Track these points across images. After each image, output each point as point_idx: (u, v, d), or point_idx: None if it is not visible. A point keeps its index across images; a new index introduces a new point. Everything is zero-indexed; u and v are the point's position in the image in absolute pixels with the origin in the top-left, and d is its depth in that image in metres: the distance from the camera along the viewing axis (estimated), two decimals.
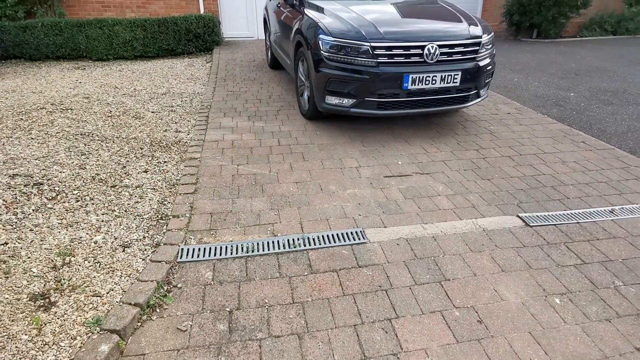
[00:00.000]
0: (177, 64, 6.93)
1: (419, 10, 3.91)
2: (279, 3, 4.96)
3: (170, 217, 2.28)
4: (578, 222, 2.34)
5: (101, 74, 5.98)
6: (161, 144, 3.25)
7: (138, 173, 2.75)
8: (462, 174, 2.87)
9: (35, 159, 2.85)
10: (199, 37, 7.87)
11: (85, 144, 3.16)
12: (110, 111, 4.00)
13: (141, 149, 3.13)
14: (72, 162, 2.83)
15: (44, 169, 2.71)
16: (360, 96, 3.20)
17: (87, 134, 3.38)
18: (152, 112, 4.04)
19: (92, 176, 2.67)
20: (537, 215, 2.40)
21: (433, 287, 1.83)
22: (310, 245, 2.09)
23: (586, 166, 3.03)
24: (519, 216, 2.39)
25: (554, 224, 2.31)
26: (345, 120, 3.82)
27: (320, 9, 3.69)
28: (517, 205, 2.51)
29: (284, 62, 4.83)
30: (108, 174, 2.71)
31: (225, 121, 3.85)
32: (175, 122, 3.80)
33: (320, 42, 3.26)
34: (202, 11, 8.59)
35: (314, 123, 3.82)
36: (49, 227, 2.13)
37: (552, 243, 2.15)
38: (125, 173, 2.74)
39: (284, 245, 2.09)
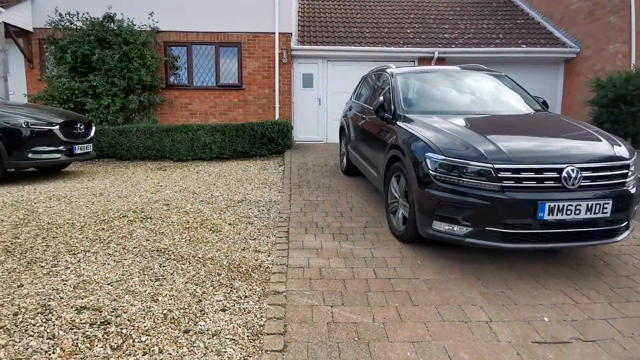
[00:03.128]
0: (250, 167, 7.03)
1: (541, 126, 3.47)
2: (363, 114, 4.88)
3: None
4: None
5: (180, 176, 6.12)
6: (240, 269, 2.84)
7: (215, 312, 2.29)
8: None
9: (108, 284, 2.53)
10: (272, 140, 8.15)
11: (160, 264, 2.84)
12: (188, 222, 3.80)
13: (219, 274, 2.73)
14: (145, 291, 2.47)
15: (114, 300, 2.35)
16: (479, 225, 2.65)
17: (163, 250, 3.10)
18: (230, 224, 3.77)
19: (164, 313, 2.24)
20: None
21: None
22: None
23: None
24: None
25: None
26: (447, 244, 3.23)
27: (420, 123, 3.41)
28: None
29: (368, 173, 4.53)
30: (182, 310, 2.28)
31: (307, 240, 3.43)
32: (254, 238, 3.45)
33: (427, 161, 2.89)
34: (277, 117, 9.09)
35: (411, 248, 3.27)
36: None
37: None
38: (200, 310, 2.29)
39: None
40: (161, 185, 5.37)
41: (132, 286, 2.52)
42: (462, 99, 4.07)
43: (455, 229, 2.77)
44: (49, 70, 8.76)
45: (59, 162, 5.70)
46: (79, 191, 4.94)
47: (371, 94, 5.00)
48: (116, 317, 2.19)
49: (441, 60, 9.37)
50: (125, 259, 2.91)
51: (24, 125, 5.26)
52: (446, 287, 2.64)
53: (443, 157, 2.82)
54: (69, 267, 2.73)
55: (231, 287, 2.58)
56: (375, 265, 2.96)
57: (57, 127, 5.55)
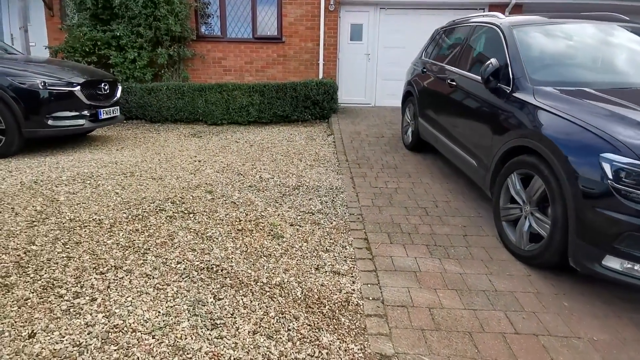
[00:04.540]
0: (295, 135, 6.14)
1: None
2: (451, 80, 3.80)
3: None
4: None
5: (218, 146, 5.33)
6: (322, 307, 2.08)
7: None
8: None
9: (149, 332, 1.82)
10: (316, 104, 7.15)
11: (214, 295, 2.11)
12: (239, 219, 3.04)
13: (295, 318, 1.98)
14: (201, 349, 1.75)
15: None
16: None
17: (215, 268, 2.37)
18: (291, 225, 2.99)
19: None
20: None
21: None
22: None
23: None
24: None
25: None
26: (591, 278, 2.32)
27: (570, 102, 2.38)
28: None
29: (458, 159, 3.56)
30: None
31: (396, 254, 2.62)
32: (327, 250, 2.67)
33: (604, 165, 1.93)
34: (321, 76, 8.00)
35: (542, 275, 2.40)
36: None
37: None
38: None
39: None
40: (199, 161, 4.60)
41: (181, 338, 1.81)
42: (619, 64, 2.94)
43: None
44: (69, 18, 7.87)
45: (83, 129, 4.99)
46: (107, 168, 4.24)
47: (461, 53, 3.89)
48: None
49: (518, 8, 7.82)
50: (168, 284, 2.19)
51: (41, 87, 4.50)
52: (631, 359, 1.80)
53: (633, 160, 1.86)
54: (96, 299, 2.04)
55: (318, 345, 1.83)
56: (504, 306, 2.14)
57: (78, 87, 4.78)
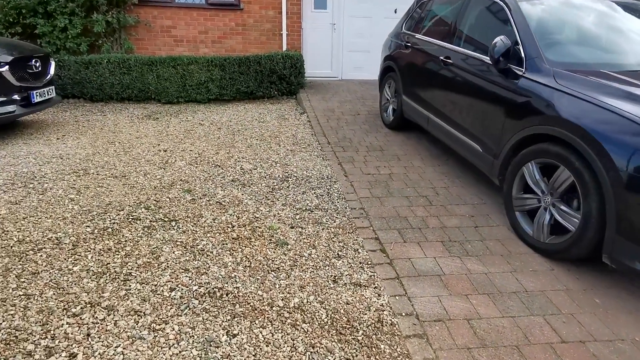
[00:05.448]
0: (264, 115, 5.65)
1: None
2: (446, 56, 3.53)
3: None
4: None
5: (182, 130, 4.73)
6: (354, 332, 1.82)
7: None
8: None
9: None
10: (283, 78, 6.63)
11: (227, 331, 1.75)
12: (232, 225, 2.64)
13: (330, 352, 1.68)
14: None
15: None
16: None
17: (218, 292, 1.99)
18: (292, 228, 2.65)
19: None
20: None
21: None
22: None
23: None
24: None
25: None
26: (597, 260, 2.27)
27: (597, 85, 2.21)
28: None
29: (457, 144, 3.36)
30: None
31: (414, 255, 2.41)
32: (339, 256, 2.39)
33: None
34: (284, 47, 7.41)
35: (566, 269, 2.31)
36: None
37: None
38: None
39: None
40: (165, 151, 4.01)
41: None
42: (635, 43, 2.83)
43: None
44: None
45: (13, 116, 4.12)
46: (51, 165, 3.54)
47: (455, 28, 3.61)
48: None
49: None
50: (165, 322, 1.79)
51: None
52: None
53: None
54: (75, 355, 1.58)
55: None
56: (541, 310, 2.01)
57: (6, 67, 3.88)
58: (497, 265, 2.37)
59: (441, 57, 3.61)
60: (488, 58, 2.84)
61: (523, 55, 2.67)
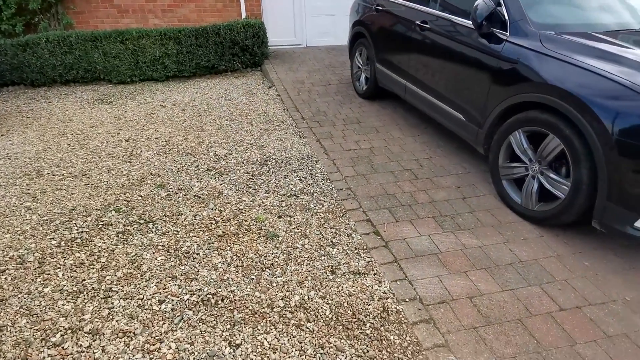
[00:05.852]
0: (231, 91, 5.31)
1: None
2: (421, 21, 3.36)
3: None
4: None
5: (141, 115, 4.35)
6: (362, 326, 1.76)
7: None
8: None
9: None
10: (246, 49, 6.21)
11: (229, 342, 1.63)
12: (215, 220, 2.46)
13: (340, 351, 1.62)
14: None
15: None
16: None
17: (212, 300, 1.85)
18: (279, 217, 2.51)
19: None
20: None
21: None
22: None
23: None
24: None
25: None
26: (582, 224, 2.34)
27: (585, 48, 2.16)
28: None
29: (436, 112, 3.28)
30: None
31: (408, 234, 2.37)
32: (332, 243, 2.29)
33: None
34: (244, 15, 6.89)
35: (554, 234, 2.35)
36: None
37: None
38: None
39: None
40: (127, 140, 3.67)
41: None
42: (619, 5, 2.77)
43: None
44: None
45: None
46: None
47: None
48: None
49: None
50: (160, 340, 1.64)
51: None
52: None
53: None
54: None
55: None
56: (537, 279, 2.05)
57: None
58: (490, 237, 2.38)
59: (417, 22, 3.44)
60: (470, 22, 2.71)
61: (507, 17, 2.56)
